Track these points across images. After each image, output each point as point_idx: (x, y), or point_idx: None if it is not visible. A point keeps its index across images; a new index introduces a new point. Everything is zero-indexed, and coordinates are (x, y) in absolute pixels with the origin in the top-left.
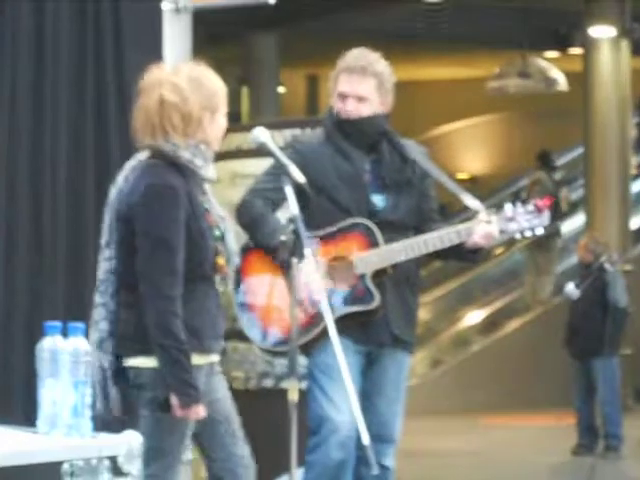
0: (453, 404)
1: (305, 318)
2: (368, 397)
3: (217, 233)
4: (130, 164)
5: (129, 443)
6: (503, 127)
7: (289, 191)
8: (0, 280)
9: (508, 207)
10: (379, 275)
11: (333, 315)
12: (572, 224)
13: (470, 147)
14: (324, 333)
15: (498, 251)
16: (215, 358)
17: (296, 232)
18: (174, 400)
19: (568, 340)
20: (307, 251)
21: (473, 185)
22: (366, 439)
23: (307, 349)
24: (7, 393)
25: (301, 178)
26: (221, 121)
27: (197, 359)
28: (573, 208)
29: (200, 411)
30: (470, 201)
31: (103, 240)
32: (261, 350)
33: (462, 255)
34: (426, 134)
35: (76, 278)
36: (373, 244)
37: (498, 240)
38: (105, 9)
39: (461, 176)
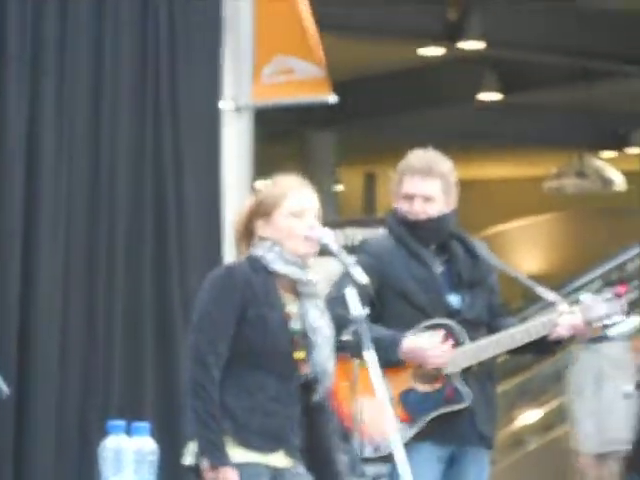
0: None
1: (400, 418)
2: None
3: (296, 327)
4: None
5: None
6: (561, 226)
7: (350, 292)
8: (55, 373)
9: (586, 297)
10: (464, 373)
11: (426, 418)
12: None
13: (528, 246)
14: (413, 439)
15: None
16: (275, 462)
17: (358, 333)
18: (204, 463)
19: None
20: (369, 353)
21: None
22: None
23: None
24: None
25: (364, 279)
26: (282, 222)
27: (238, 454)
28: None
29: (232, 475)
30: (547, 293)
31: None
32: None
33: (541, 348)
34: (483, 232)
35: (132, 374)
36: (458, 343)
37: (585, 330)
38: (163, 109)
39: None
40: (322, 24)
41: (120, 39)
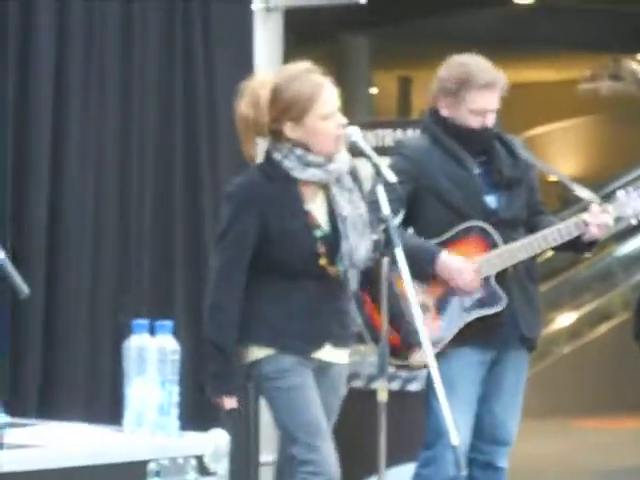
0: (543, 406)
1: (433, 327)
2: (485, 400)
3: (318, 234)
4: None
5: (216, 442)
6: (595, 130)
7: (380, 190)
8: (87, 275)
9: (620, 193)
10: (501, 275)
11: (461, 322)
12: None
13: (562, 150)
14: (449, 344)
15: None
16: (324, 355)
17: (387, 231)
18: (207, 388)
19: None
20: (398, 250)
21: (566, 188)
22: (455, 440)
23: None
24: (94, 391)
25: (392, 177)
26: (315, 125)
27: (266, 351)
28: None
29: (228, 402)
30: (583, 192)
31: None
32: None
33: (577, 247)
34: (519, 136)
35: (163, 274)
36: (492, 245)
37: (615, 228)
38: (194, 9)
39: (553, 179)
40: None
41: None
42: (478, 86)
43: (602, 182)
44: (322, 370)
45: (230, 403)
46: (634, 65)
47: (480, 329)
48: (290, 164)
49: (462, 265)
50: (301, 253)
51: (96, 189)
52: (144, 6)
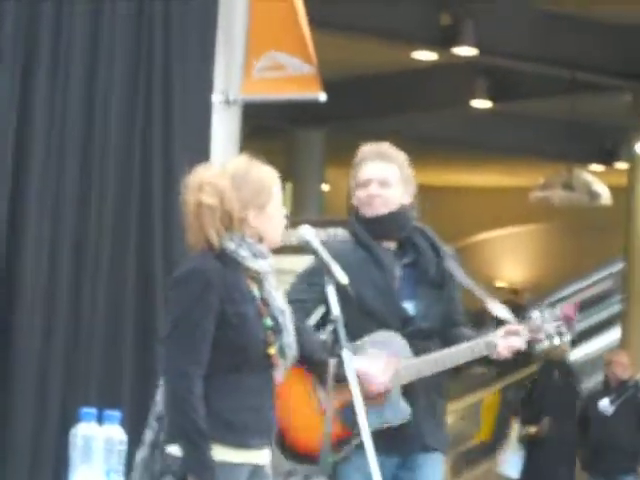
0: None
1: (338, 433)
2: None
3: (268, 323)
4: None
5: None
6: (546, 238)
7: (331, 291)
8: (35, 361)
9: (535, 315)
10: (408, 387)
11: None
12: (603, 340)
13: (512, 255)
14: (359, 448)
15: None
16: (261, 459)
17: (336, 332)
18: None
19: (592, 457)
20: (346, 352)
21: (512, 293)
22: None
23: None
24: (37, 476)
25: (344, 279)
26: (274, 214)
27: (233, 456)
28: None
29: None
30: (498, 310)
31: None
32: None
33: (485, 363)
34: (467, 240)
35: (113, 363)
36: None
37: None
38: (156, 99)
39: (500, 284)
40: (317, 22)
41: (115, 34)
42: (361, 160)
43: (551, 289)
44: (256, 474)
45: None
46: (587, 176)
47: (383, 437)
48: (244, 253)
49: (370, 366)
50: (254, 339)
51: (50, 271)
52: (106, 95)
